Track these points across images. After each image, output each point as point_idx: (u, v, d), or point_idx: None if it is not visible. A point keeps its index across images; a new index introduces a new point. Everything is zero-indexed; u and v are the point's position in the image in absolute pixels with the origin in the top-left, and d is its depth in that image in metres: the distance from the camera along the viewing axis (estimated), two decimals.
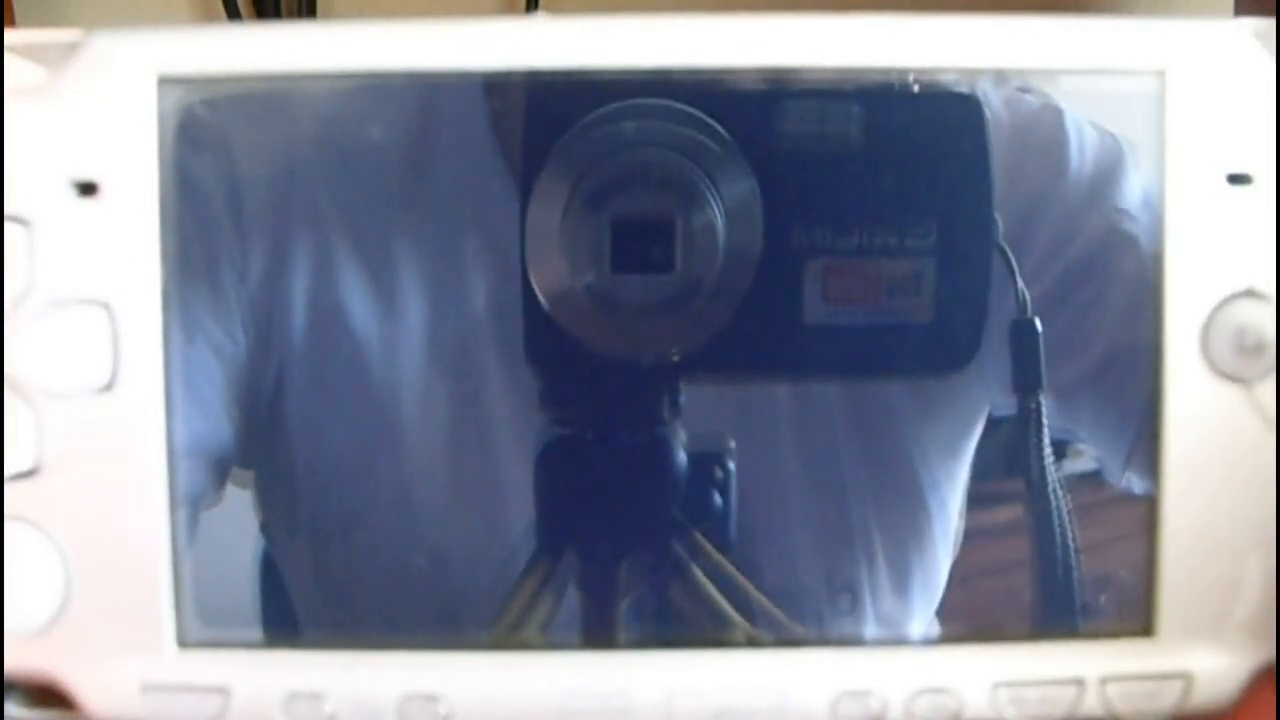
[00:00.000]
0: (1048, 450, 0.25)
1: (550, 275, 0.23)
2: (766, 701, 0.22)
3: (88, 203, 0.22)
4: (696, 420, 0.24)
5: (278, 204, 0.26)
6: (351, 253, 0.25)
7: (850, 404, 0.25)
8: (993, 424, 0.25)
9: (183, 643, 0.22)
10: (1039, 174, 0.25)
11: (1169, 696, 0.22)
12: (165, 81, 0.22)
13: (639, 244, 0.23)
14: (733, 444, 0.24)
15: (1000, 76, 0.23)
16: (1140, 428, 0.23)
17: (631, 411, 0.24)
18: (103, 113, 0.22)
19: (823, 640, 0.24)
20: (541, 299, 0.23)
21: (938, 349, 0.24)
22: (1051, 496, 0.25)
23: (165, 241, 0.22)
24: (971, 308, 0.24)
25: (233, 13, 0.48)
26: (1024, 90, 0.24)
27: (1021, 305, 0.24)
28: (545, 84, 0.22)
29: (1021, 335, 0.24)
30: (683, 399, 0.23)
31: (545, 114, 0.23)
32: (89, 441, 0.22)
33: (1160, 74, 0.22)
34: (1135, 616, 0.23)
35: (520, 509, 0.24)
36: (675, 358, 0.23)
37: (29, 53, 0.22)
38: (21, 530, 0.22)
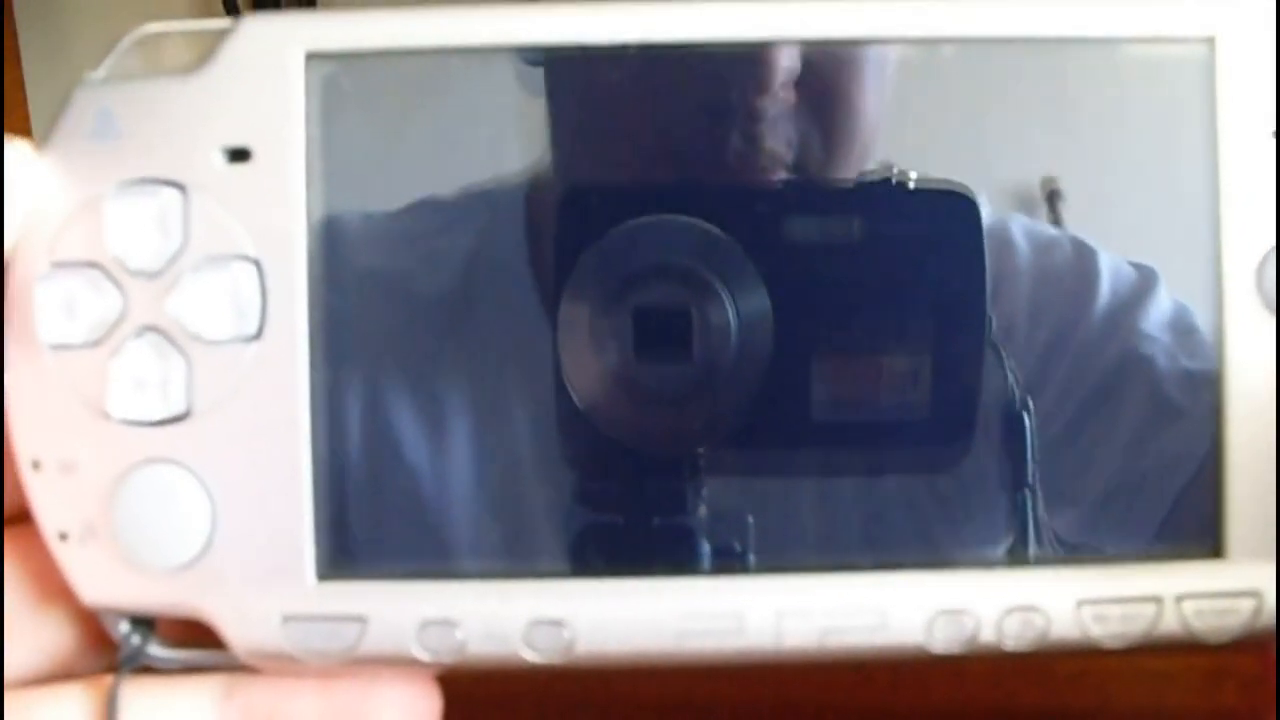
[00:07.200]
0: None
1: (582, 370, 0.25)
2: (868, 621, 0.24)
3: (239, 168, 0.24)
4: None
5: None
6: (400, 379, 0.26)
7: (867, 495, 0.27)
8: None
9: (322, 575, 0.24)
10: (1065, 308, 0.27)
11: (1240, 614, 0.24)
12: (313, 58, 0.24)
13: (659, 333, 0.25)
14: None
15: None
16: (1153, 538, 0.25)
17: (658, 498, 0.25)
18: (255, 86, 0.24)
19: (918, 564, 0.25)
20: (574, 396, 0.25)
21: (934, 445, 0.26)
22: None
23: (311, 203, 0.24)
24: (967, 406, 0.25)
25: (232, 11, 0.49)
26: (1057, 223, 0.26)
27: (1017, 403, 0.25)
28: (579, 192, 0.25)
29: (1014, 431, 0.25)
30: (705, 489, 0.25)
31: (577, 225, 0.25)
32: (237, 387, 0.24)
33: (1210, 41, 0.24)
34: (1207, 539, 0.24)
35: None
36: (697, 449, 0.25)
37: (183, 39, 0.25)
38: (172, 471, 0.24)
